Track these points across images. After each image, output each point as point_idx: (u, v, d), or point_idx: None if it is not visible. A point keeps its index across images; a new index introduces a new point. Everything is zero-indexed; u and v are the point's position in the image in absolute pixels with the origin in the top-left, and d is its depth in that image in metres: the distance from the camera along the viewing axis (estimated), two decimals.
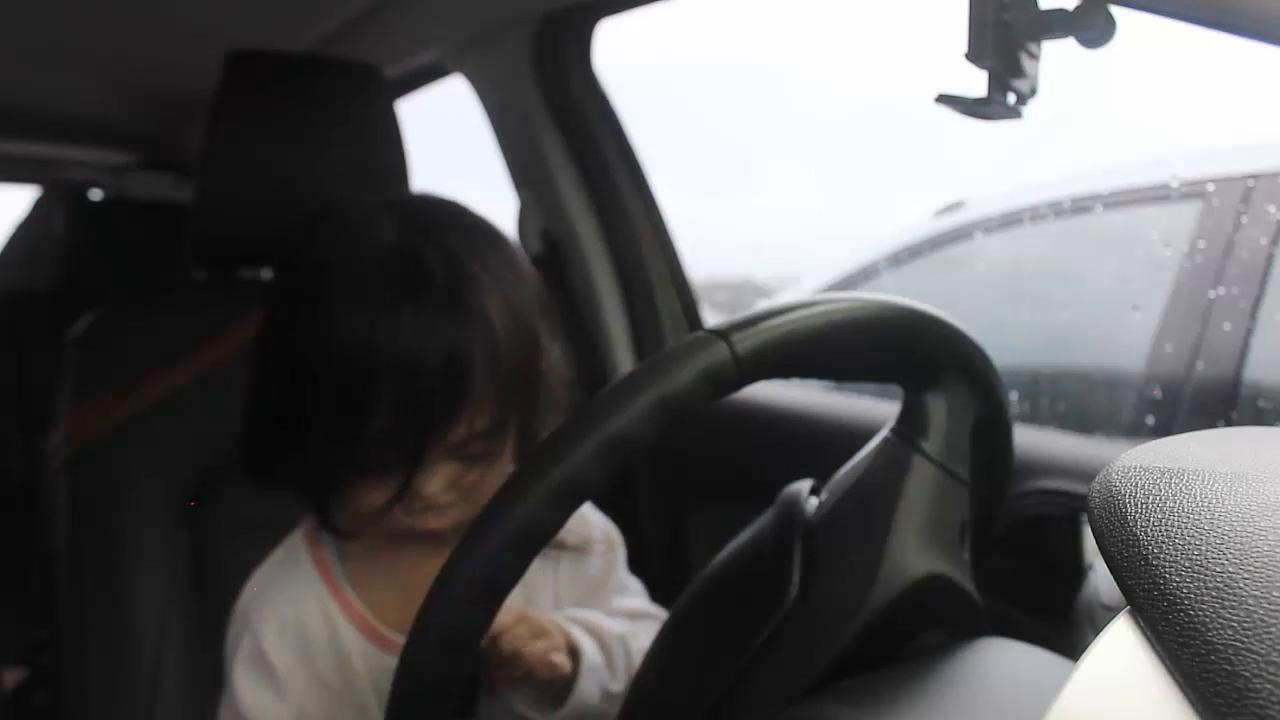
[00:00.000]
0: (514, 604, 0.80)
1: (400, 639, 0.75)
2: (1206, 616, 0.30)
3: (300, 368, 0.72)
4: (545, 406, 0.78)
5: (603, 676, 0.75)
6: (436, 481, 0.72)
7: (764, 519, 0.61)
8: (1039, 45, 0.58)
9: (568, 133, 1.48)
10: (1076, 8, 0.56)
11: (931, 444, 0.56)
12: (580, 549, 0.83)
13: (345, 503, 0.75)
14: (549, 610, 0.81)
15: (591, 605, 0.83)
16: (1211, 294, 1.19)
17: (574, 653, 0.74)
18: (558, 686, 0.73)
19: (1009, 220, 1.63)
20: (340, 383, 0.70)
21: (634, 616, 0.84)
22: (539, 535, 0.47)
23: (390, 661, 0.74)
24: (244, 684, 0.79)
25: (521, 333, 0.74)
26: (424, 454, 0.71)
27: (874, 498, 0.56)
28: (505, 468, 0.75)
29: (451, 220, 0.77)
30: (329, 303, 0.71)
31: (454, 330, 0.69)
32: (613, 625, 0.79)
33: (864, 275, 1.89)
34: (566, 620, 0.77)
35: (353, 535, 0.78)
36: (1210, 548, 0.32)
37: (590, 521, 0.86)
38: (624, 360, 1.48)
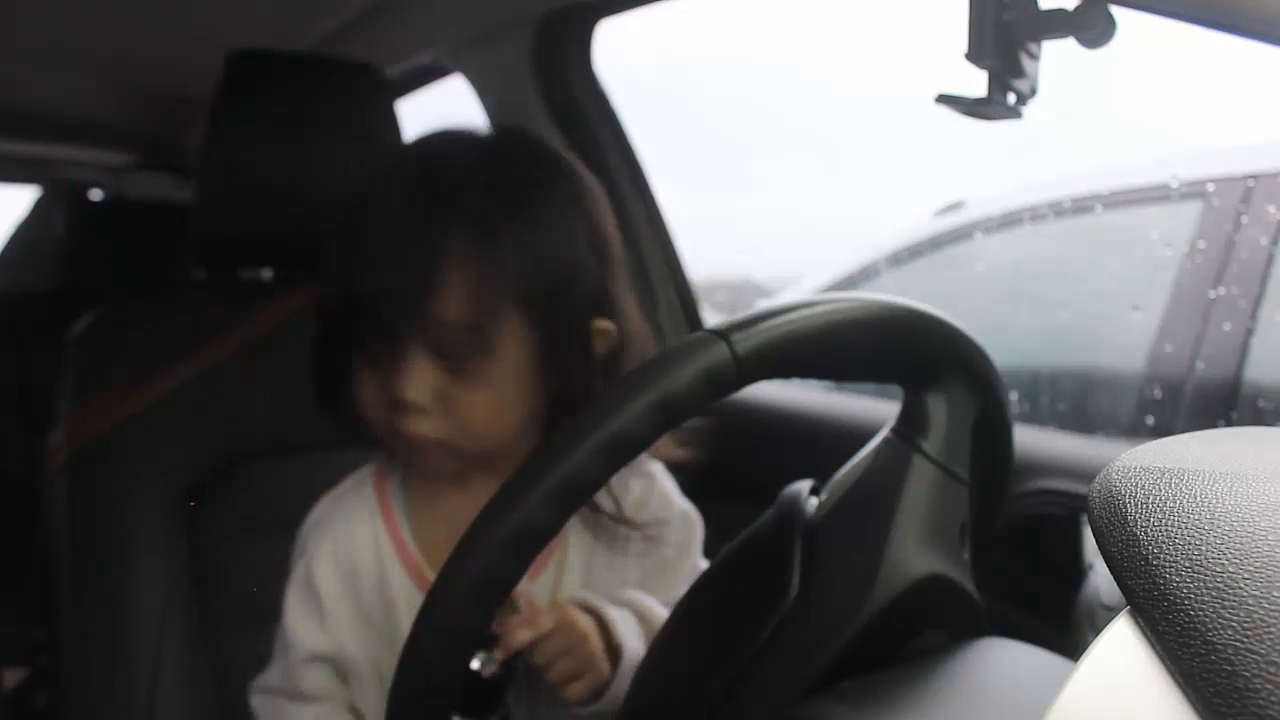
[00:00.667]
0: (572, 582, 0.80)
1: None
2: (1206, 616, 0.30)
3: (327, 283, 0.75)
4: (586, 366, 0.75)
5: None
6: (413, 379, 0.71)
7: (764, 519, 0.61)
8: (1039, 45, 0.58)
9: (568, 133, 1.48)
10: (1076, 8, 0.56)
11: (931, 444, 0.56)
12: (655, 529, 0.81)
13: (358, 407, 0.76)
14: (612, 587, 0.79)
15: (661, 586, 0.81)
16: (1211, 294, 1.19)
17: (615, 650, 0.72)
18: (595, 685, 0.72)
19: (1009, 220, 1.63)
20: (340, 269, 0.73)
21: None
22: (539, 535, 0.47)
23: None
24: (292, 609, 0.81)
25: (537, 252, 0.72)
26: (400, 328, 0.71)
27: (874, 498, 0.56)
28: (494, 395, 0.73)
29: (507, 140, 0.79)
30: (353, 208, 0.75)
31: (441, 209, 0.70)
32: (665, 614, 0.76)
33: (864, 275, 1.89)
34: (615, 611, 0.74)
35: (400, 458, 0.79)
36: (1210, 548, 0.32)
37: (671, 501, 0.84)
38: None
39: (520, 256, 0.71)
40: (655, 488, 0.83)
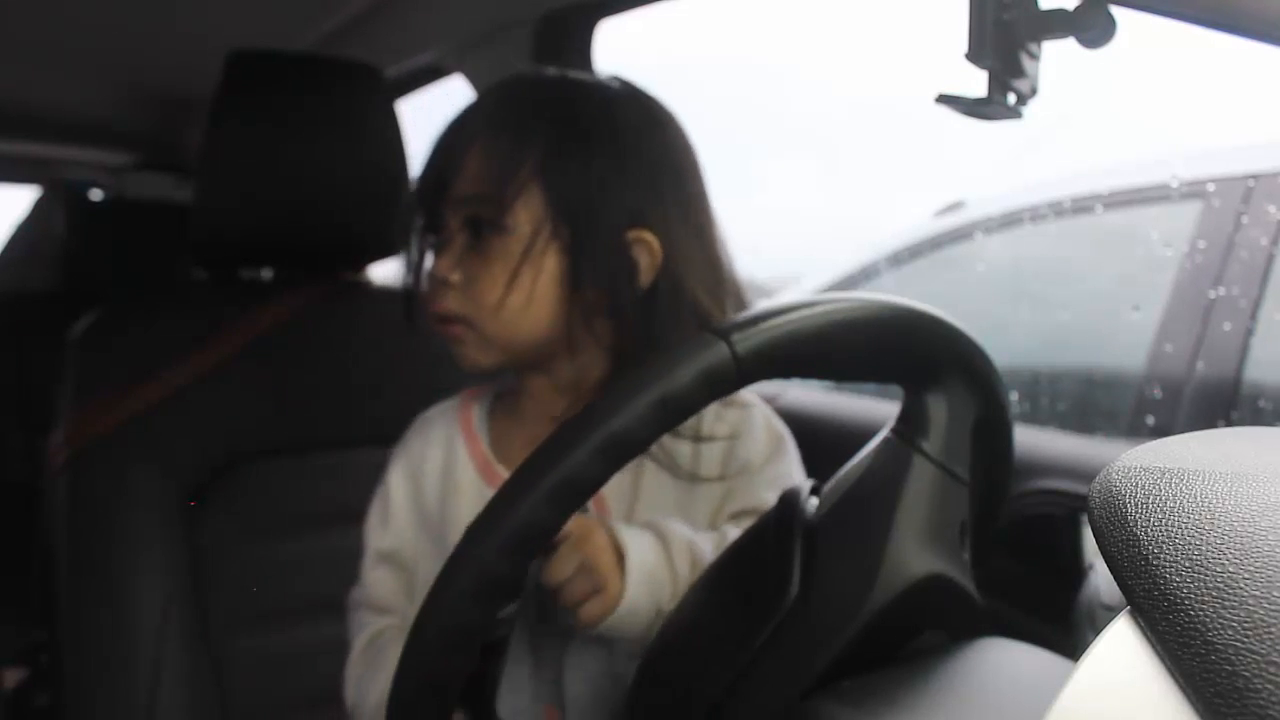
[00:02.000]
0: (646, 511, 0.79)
1: None
2: (1207, 616, 0.30)
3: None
4: (624, 275, 0.76)
5: (660, 597, 0.70)
6: (445, 255, 0.77)
7: (764, 519, 0.61)
8: (1039, 45, 0.58)
9: None
10: (1076, 8, 0.56)
11: (932, 444, 0.56)
12: (732, 438, 0.81)
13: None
14: (688, 509, 0.79)
15: (746, 487, 0.79)
16: (1211, 294, 1.19)
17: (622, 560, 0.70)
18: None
19: (1009, 220, 1.63)
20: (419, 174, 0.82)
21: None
22: (538, 534, 0.47)
23: None
24: (370, 516, 0.86)
25: (562, 141, 0.76)
26: (437, 201, 0.77)
27: (874, 498, 0.56)
28: (508, 271, 0.75)
29: (578, 76, 0.83)
30: None
31: (483, 107, 0.80)
32: (692, 540, 0.73)
33: (864, 275, 1.89)
34: (628, 529, 0.72)
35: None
36: (1210, 548, 0.32)
37: (752, 418, 0.82)
38: None
39: (540, 139, 0.76)
40: (748, 419, 0.82)
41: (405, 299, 0.84)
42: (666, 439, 0.78)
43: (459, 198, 0.77)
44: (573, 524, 0.69)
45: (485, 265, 0.76)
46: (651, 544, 0.72)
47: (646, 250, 0.77)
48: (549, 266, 0.76)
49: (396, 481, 0.86)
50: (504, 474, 0.78)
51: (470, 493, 0.82)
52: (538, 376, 0.82)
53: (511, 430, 0.84)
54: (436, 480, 0.84)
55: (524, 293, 0.76)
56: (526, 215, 0.75)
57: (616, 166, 0.77)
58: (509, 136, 0.76)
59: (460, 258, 0.77)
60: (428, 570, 0.82)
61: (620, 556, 0.70)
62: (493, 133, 0.77)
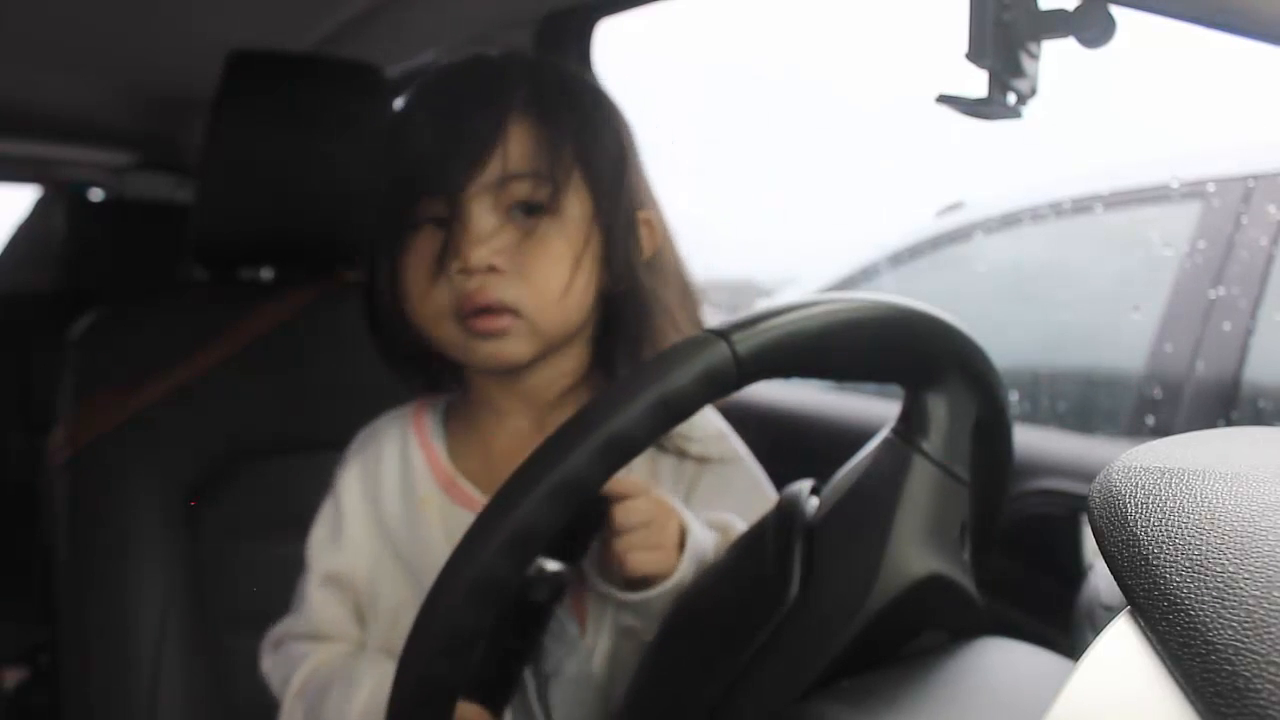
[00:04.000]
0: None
1: (475, 494, 0.76)
2: (1207, 616, 0.30)
3: (384, 168, 0.76)
4: (636, 258, 0.76)
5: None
6: (484, 240, 0.70)
7: (764, 519, 0.61)
8: (1039, 45, 0.58)
9: None
10: (1076, 8, 0.56)
11: (932, 444, 0.56)
12: (712, 456, 0.80)
13: (405, 286, 0.74)
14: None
15: (725, 503, 0.77)
16: (1211, 294, 1.19)
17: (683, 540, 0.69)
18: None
19: (1009, 220, 1.63)
20: (402, 143, 0.74)
21: None
22: (539, 534, 0.47)
23: (463, 515, 0.75)
24: (315, 531, 0.81)
25: (588, 118, 0.74)
26: (469, 184, 0.70)
27: (874, 498, 0.56)
28: (567, 256, 0.72)
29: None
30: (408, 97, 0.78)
31: (499, 76, 0.73)
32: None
33: (864, 275, 1.89)
34: (699, 525, 0.70)
35: (461, 368, 0.78)
36: (1210, 548, 0.32)
37: (707, 421, 0.82)
38: None
39: (574, 118, 0.73)
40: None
41: (367, 299, 0.78)
42: None
43: (503, 179, 0.70)
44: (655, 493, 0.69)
45: (543, 250, 0.71)
46: (707, 529, 0.71)
47: (649, 230, 0.77)
48: (596, 249, 0.73)
49: (350, 496, 0.80)
50: (467, 487, 0.77)
51: (437, 506, 0.78)
52: (505, 383, 0.78)
53: (470, 440, 0.80)
54: (396, 494, 0.79)
55: (585, 277, 0.73)
56: (577, 198, 0.72)
57: (625, 150, 0.77)
58: (551, 116, 0.72)
59: (502, 242, 0.71)
60: (392, 592, 0.78)
61: (682, 535, 0.69)
62: (530, 113, 0.72)
